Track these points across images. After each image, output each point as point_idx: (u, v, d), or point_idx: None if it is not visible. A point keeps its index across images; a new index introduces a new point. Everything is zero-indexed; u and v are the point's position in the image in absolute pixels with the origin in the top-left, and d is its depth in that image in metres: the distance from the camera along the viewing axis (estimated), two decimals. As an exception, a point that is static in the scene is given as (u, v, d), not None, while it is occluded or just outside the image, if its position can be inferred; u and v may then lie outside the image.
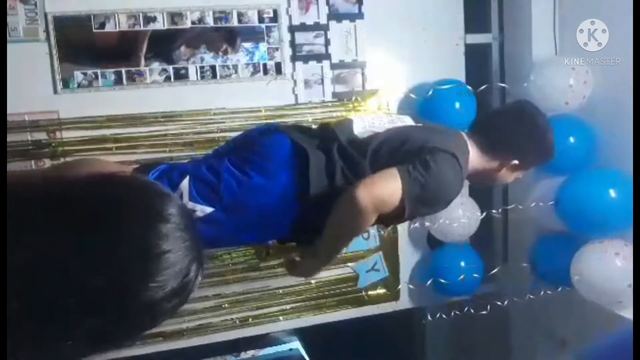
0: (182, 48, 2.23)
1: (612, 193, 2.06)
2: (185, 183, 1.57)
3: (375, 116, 1.82)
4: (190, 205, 1.55)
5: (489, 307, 2.36)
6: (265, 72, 2.33)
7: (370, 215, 1.46)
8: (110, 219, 0.63)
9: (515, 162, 1.64)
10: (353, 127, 1.69)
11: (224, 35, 2.27)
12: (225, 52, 2.27)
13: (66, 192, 0.65)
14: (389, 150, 1.56)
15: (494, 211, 2.52)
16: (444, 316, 2.44)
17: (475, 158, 1.63)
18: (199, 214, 1.55)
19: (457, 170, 1.51)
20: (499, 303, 2.37)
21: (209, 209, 1.57)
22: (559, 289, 2.26)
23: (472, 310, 2.41)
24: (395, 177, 1.46)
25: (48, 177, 0.70)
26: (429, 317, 2.46)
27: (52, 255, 0.59)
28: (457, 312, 2.44)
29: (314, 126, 2.10)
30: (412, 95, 2.45)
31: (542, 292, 2.33)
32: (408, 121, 1.72)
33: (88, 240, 0.61)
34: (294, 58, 2.36)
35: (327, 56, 2.40)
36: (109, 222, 0.63)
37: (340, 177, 1.61)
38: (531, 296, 2.36)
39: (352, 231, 1.51)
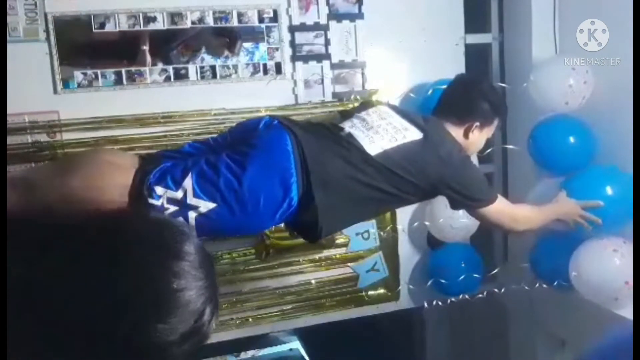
0: (181, 49, 2.23)
1: (609, 190, 2.05)
2: (188, 181, 1.61)
3: (365, 113, 1.88)
4: (194, 201, 1.60)
5: (485, 292, 2.36)
6: (265, 72, 2.33)
7: (521, 220, 1.91)
8: (125, 254, 0.62)
9: (477, 123, 1.90)
10: (358, 139, 1.74)
11: (224, 36, 2.27)
12: (232, 50, 2.27)
13: (83, 225, 0.64)
14: (409, 182, 1.76)
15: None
16: (439, 303, 2.43)
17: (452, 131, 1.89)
18: (202, 209, 1.60)
19: (465, 154, 1.87)
20: (496, 290, 2.37)
21: (212, 205, 1.61)
22: (555, 282, 2.25)
23: (467, 297, 2.41)
24: (490, 207, 1.83)
25: (62, 210, 0.69)
26: (426, 305, 2.48)
27: (64, 288, 0.59)
28: (452, 300, 2.44)
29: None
30: (412, 95, 2.45)
31: (537, 285, 2.33)
32: (386, 109, 1.92)
33: (101, 274, 0.60)
34: (294, 58, 2.36)
35: (327, 56, 2.40)
36: (123, 257, 0.62)
37: (347, 187, 1.70)
38: (526, 287, 2.36)
39: (537, 225, 1.97)
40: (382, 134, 1.78)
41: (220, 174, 1.62)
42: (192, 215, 1.60)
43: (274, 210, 1.67)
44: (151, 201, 1.58)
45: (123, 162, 1.70)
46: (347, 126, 1.81)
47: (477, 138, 1.93)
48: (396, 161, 1.73)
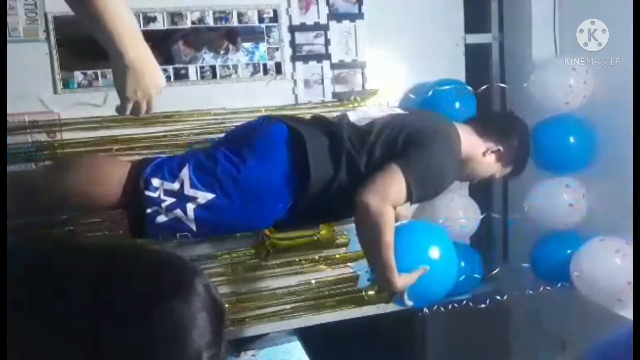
0: (182, 46, 2.23)
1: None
2: (185, 171, 1.59)
3: (366, 109, 1.89)
4: (192, 192, 1.58)
5: (488, 300, 2.36)
6: (265, 72, 2.33)
7: (388, 213, 1.54)
8: (122, 297, 0.57)
9: (500, 148, 1.83)
10: (348, 117, 1.77)
11: (224, 35, 2.27)
12: (227, 50, 2.27)
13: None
14: (386, 142, 1.68)
15: (495, 215, 2.54)
16: (441, 309, 2.43)
17: (465, 141, 1.79)
18: (201, 201, 1.58)
19: (452, 152, 1.70)
20: (499, 297, 2.37)
21: (210, 196, 1.59)
22: (559, 284, 2.26)
23: (470, 304, 2.41)
24: (398, 173, 1.57)
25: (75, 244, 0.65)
26: (426, 310, 2.47)
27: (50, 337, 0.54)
28: (455, 305, 2.44)
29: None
30: (412, 95, 2.45)
31: (541, 288, 2.33)
32: (398, 111, 1.88)
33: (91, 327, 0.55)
34: (294, 58, 2.36)
35: (327, 56, 2.40)
36: (117, 300, 0.56)
37: (338, 162, 1.67)
38: (530, 291, 2.36)
39: (382, 236, 1.54)
40: (376, 113, 1.81)
41: (218, 163, 1.60)
42: (190, 207, 1.57)
43: (275, 200, 1.65)
44: (147, 193, 1.56)
45: (121, 160, 1.71)
46: (346, 111, 1.85)
47: (488, 163, 1.87)
48: (380, 126, 1.71)
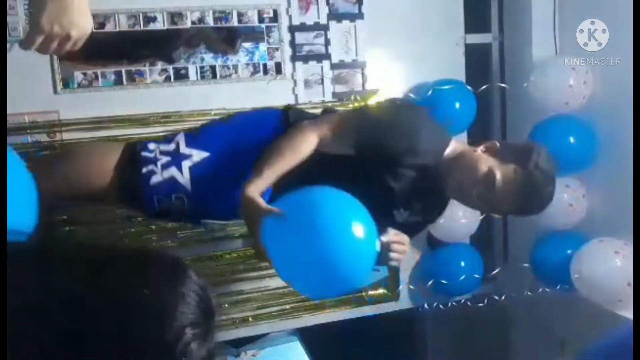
0: (182, 47, 2.23)
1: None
2: (180, 135, 1.67)
3: None
4: (187, 150, 1.62)
5: (486, 300, 2.37)
6: (265, 72, 2.33)
7: (311, 137, 1.51)
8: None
9: (496, 142, 1.57)
10: None
11: (224, 35, 2.27)
12: (225, 52, 2.27)
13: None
14: None
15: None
16: (441, 306, 2.44)
17: (457, 143, 1.63)
18: (196, 158, 1.62)
19: (410, 115, 1.58)
20: (497, 297, 2.37)
21: (205, 154, 1.62)
22: (558, 286, 2.26)
23: (468, 303, 2.42)
24: (342, 115, 1.64)
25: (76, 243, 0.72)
26: (426, 306, 2.48)
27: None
28: (454, 303, 2.45)
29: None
30: (412, 95, 2.45)
31: (540, 290, 2.34)
32: None
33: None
34: (294, 58, 2.36)
35: (327, 56, 2.40)
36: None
37: None
38: (529, 292, 2.36)
39: (287, 143, 1.50)
40: None
41: (212, 126, 1.71)
42: (185, 164, 1.60)
43: None
44: (143, 153, 1.60)
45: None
46: None
47: (479, 156, 1.55)
48: None
